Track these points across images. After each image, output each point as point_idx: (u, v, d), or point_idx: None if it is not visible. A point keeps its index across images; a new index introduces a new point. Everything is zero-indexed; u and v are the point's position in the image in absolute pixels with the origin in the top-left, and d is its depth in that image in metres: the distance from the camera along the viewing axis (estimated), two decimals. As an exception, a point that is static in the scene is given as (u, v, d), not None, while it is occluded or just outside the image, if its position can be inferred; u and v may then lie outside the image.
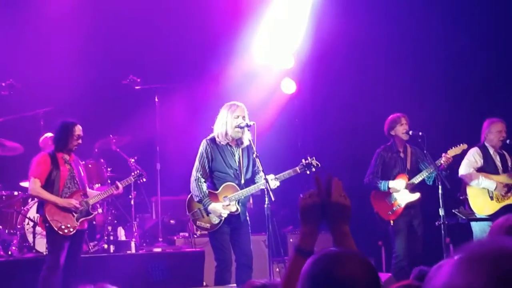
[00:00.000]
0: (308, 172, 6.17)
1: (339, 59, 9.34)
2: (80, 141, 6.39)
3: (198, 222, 6.18)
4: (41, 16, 9.14)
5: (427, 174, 7.07)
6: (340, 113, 9.51)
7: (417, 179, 7.12)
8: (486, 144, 7.34)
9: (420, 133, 7.01)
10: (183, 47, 9.48)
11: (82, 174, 6.55)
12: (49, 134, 8.20)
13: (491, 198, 7.13)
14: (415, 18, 9.10)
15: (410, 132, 7.10)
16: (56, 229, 6.14)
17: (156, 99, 8.44)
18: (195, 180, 6.10)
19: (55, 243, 6.20)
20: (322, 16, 9.22)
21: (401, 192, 7.13)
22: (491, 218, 6.96)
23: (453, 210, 7.18)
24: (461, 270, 1.24)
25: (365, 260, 1.79)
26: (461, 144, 7.13)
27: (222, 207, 6.06)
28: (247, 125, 6.11)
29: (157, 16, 9.39)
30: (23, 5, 9.12)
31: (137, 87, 8.41)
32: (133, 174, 6.99)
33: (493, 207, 7.11)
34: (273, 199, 5.92)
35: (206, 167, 6.13)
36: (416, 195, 7.12)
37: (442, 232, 6.66)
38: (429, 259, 6.03)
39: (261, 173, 6.05)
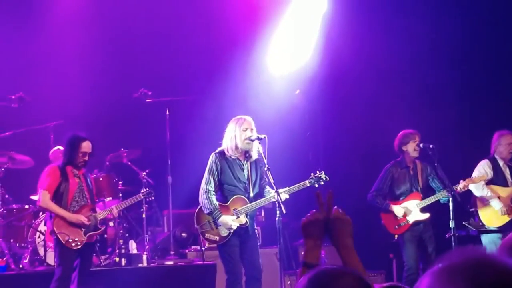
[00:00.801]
0: (317, 186, 6.16)
1: (350, 72, 9.30)
2: (86, 158, 6.37)
3: (206, 235, 6.20)
4: (52, 30, 9.20)
5: (441, 197, 7.00)
6: (351, 125, 9.47)
7: (429, 201, 7.07)
8: (496, 157, 7.35)
9: (431, 146, 6.98)
10: (194, 60, 9.48)
11: (91, 188, 6.53)
12: (59, 147, 8.27)
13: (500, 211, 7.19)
14: (427, 31, 9.06)
15: (421, 145, 7.06)
16: (63, 242, 6.12)
17: (167, 112, 8.41)
18: (205, 192, 6.12)
19: (63, 256, 6.18)
20: (333, 29, 9.20)
21: (413, 210, 7.09)
22: (501, 229, 7.09)
23: (463, 222, 7.22)
24: (440, 280, 1.27)
25: (359, 278, 1.86)
26: (481, 175, 7.14)
27: (232, 219, 6.06)
28: (258, 138, 6.14)
29: (168, 29, 9.41)
30: (33, 20, 9.18)
31: (148, 100, 8.40)
32: (142, 191, 6.96)
33: (502, 219, 7.16)
34: (284, 212, 5.93)
35: (216, 180, 6.15)
36: (426, 215, 7.09)
37: (453, 244, 6.69)
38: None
39: (268, 188, 6.12)
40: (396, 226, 7.13)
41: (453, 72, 9.06)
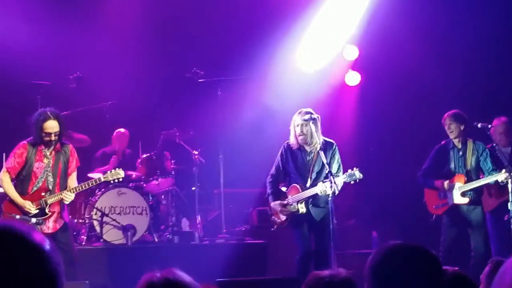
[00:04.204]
0: (352, 183, 6.12)
1: (402, 47, 9.17)
2: (52, 137, 5.97)
3: (272, 217, 6.53)
4: (107, 11, 9.35)
5: (492, 180, 6.78)
6: (403, 106, 9.38)
7: (472, 185, 6.88)
8: None
9: (489, 126, 6.82)
10: (246, 40, 9.50)
11: (65, 167, 6.17)
12: (121, 130, 8.70)
13: None
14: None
15: (479, 125, 6.90)
16: None
17: (219, 92, 8.47)
18: (268, 178, 6.55)
19: None
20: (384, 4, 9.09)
21: (454, 192, 6.95)
22: None
23: None
24: None
25: (425, 252, 1.88)
26: None
27: (280, 204, 6.36)
28: (311, 118, 6.22)
29: (221, 9, 9.45)
30: (89, 2, 9.35)
31: (200, 80, 8.48)
32: (105, 174, 6.44)
33: None
34: (337, 192, 5.98)
35: (280, 168, 6.48)
36: (465, 200, 6.92)
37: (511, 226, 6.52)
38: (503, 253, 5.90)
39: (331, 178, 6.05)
40: (434, 206, 7.07)
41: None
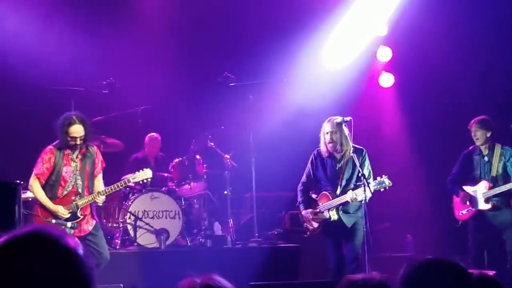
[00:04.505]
0: (382, 190, 6.07)
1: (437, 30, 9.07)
2: (77, 142, 6.01)
3: (305, 223, 6.51)
4: (139, 18, 9.45)
5: None
6: (439, 106, 9.30)
7: (495, 191, 6.79)
8: None
9: None
10: (276, 43, 9.50)
11: (92, 170, 6.23)
12: (153, 134, 8.79)
13: None
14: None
15: None
16: None
17: (250, 96, 8.46)
18: (299, 186, 6.56)
19: None
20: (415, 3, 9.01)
21: (478, 198, 6.89)
22: None
23: None
24: None
25: (455, 267, 1.94)
26: None
27: (311, 213, 6.36)
28: (344, 121, 6.24)
29: (252, 14, 9.47)
30: (122, 10, 9.45)
31: (231, 84, 8.48)
32: (133, 176, 6.49)
33: None
34: (370, 195, 5.99)
35: (311, 176, 6.48)
36: (488, 206, 6.85)
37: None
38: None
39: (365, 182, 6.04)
40: (460, 213, 7.04)
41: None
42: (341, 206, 6.28)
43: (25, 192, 6.17)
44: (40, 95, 8.48)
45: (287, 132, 9.15)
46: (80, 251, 1.41)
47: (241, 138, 8.66)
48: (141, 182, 6.59)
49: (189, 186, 8.31)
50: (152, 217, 7.76)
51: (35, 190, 6.07)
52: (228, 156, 8.41)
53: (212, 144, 8.58)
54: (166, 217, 7.79)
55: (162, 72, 9.21)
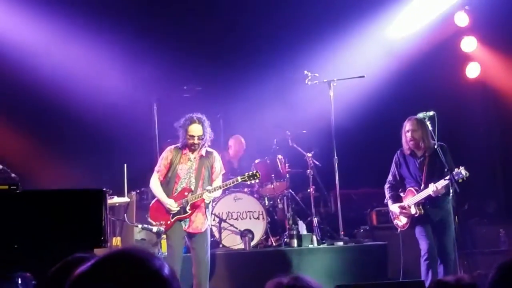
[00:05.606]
0: (460, 181, 6.02)
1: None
2: (195, 141, 6.37)
3: (395, 220, 6.64)
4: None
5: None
6: None
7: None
8: None
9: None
10: (353, 39, 9.41)
11: (209, 171, 6.50)
12: (237, 136, 9.00)
13: None
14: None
15: None
16: (153, 222, 6.35)
17: (331, 93, 8.34)
18: (386, 185, 6.72)
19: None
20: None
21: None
22: None
23: None
24: None
25: None
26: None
27: (399, 207, 6.48)
28: (427, 116, 6.27)
29: (332, 11, 9.44)
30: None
31: (312, 82, 8.39)
32: (243, 176, 6.54)
33: None
34: (457, 190, 5.99)
35: (396, 174, 6.63)
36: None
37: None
38: None
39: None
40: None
41: None
42: (427, 201, 6.32)
43: (112, 198, 6.38)
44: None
45: (369, 127, 9.01)
46: (166, 272, 1.42)
47: (323, 135, 8.56)
48: (249, 183, 6.83)
49: (272, 186, 8.31)
50: (236, 218, 7.80)
51: (153, 185, 6.51)
52: (310, 155, 8.34)
53: (294, 143, 8.54)
54: (250, 218, 7.82)
55: (239, 74, 9.32)
